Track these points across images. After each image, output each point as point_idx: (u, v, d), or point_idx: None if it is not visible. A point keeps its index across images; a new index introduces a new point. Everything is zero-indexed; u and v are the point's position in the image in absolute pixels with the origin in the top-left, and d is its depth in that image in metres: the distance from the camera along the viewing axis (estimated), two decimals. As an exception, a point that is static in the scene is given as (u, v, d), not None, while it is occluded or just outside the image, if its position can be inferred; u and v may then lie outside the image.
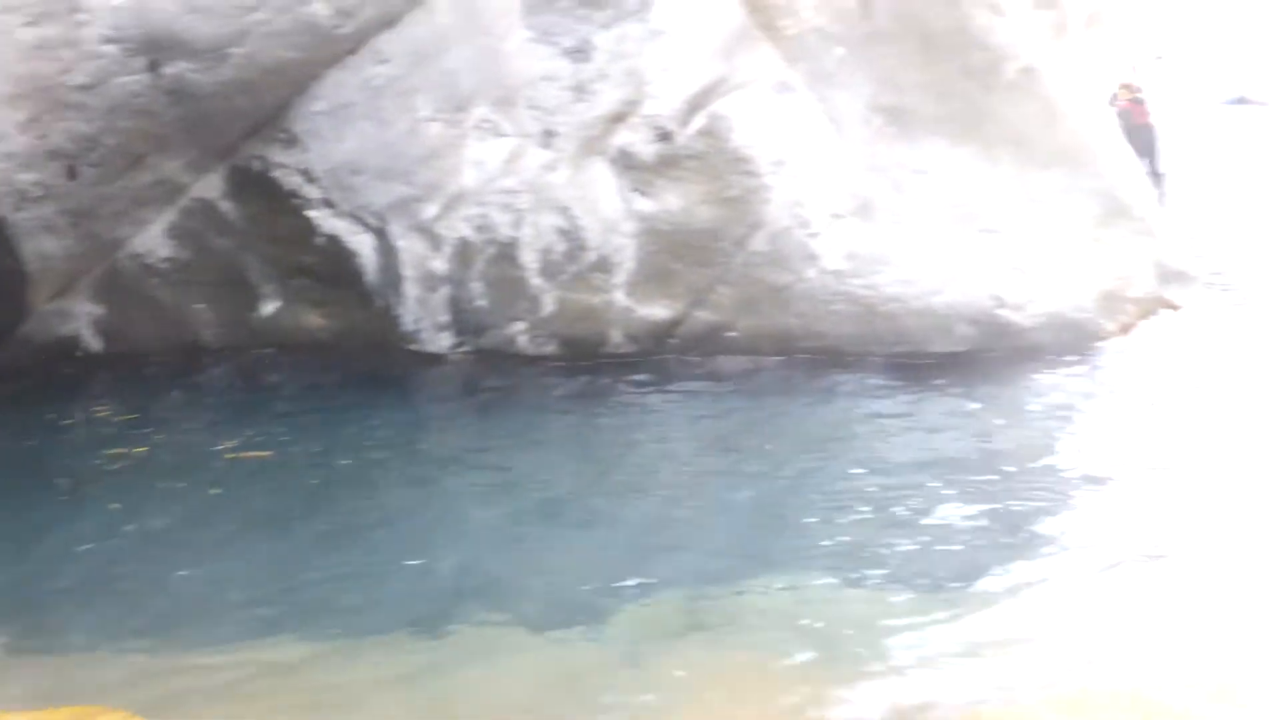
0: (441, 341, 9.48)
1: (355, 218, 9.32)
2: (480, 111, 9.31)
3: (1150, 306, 10.22)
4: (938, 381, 8.97)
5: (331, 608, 5.74)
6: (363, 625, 5.54)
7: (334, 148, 9.19)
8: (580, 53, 9.35)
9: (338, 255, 9.39)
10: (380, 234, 9.33)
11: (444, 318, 9.44)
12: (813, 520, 6.77)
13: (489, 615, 5.63)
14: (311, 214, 9.29)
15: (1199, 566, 6.06)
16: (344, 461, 7.66)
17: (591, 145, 9.37)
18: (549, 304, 9.36)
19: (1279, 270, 10.98)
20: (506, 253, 9.31)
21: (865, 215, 9.47)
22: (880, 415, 8.52)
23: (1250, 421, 8.08)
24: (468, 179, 9.29)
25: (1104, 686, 4.96)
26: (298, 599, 5.85)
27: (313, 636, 5.46)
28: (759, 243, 9.33)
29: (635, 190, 9.33)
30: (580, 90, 9.35)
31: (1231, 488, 7.04)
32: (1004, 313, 9.46)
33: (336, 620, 5.59)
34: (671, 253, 9.34)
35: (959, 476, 7.31)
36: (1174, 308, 10.34)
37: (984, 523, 6.67)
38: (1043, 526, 6.64)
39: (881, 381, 9.03)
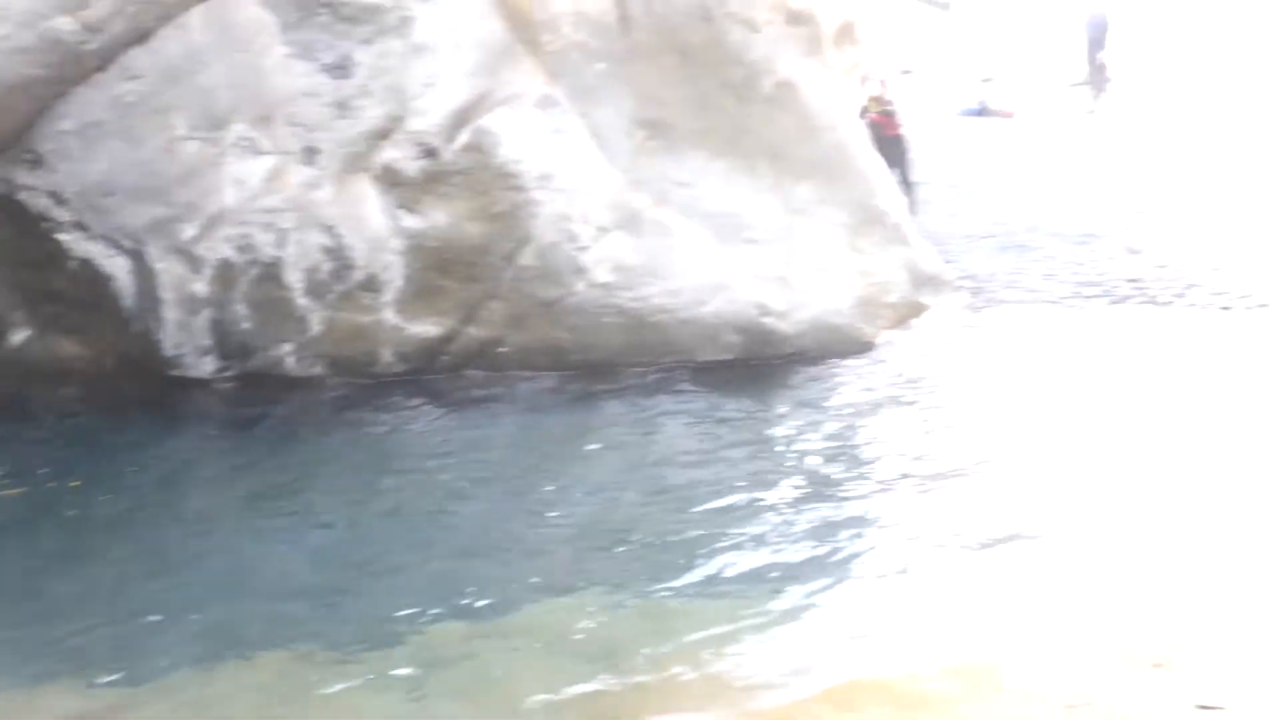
0: (205, 366, 9.20)
1: (109, 240, 8.96)
2: (239, 129, 9.07)
3: (906, 311, 10.66)
4: (708, 389, 9.18)
5: (101, 657, 5.48)
6: (137, 674, 5.31)
7: (84, 168, 8.81)
8: (341, 69, 9.21)
9: (92, 279, 9.02)
10: (137, 256, 8.99)
11: (207, 341, 9.16)
12: (597, 533, 6.85)
13: (265, 654, 5.49)
14: (62, 237, 8.90)
15: (969, 561, 6.37)
16: (105, 497, 7.35)
17: (356, 162, 9.24)
18: (316, 324, 9.19)
19: (1023, 273, 11.56)
20: (270, 273, 9.10)
21: (631, 228, 9.61)
22: (656, 423, 8.67)
23: (1007, 417, 8.53)
24: (228, 198, 9.03)
25: (874, 679, 5.17)
26: (62, 649, 5.57)
27: (81, 690, 5.22)
28: (528, 257, 9.36)
29: (402, 207, 9.25)
30: (342, 107, 9.22)
31: (998, 481, 7.43)
32: (769, 321, 9.73)
33: (108, 668, 5.36)
34: (440, 269, 9.29)
35: (735, 481, 7.50)
36: (929, 311, 10.81)
37: (769, 525, 6.87)
38: (823, 526, 6.86)
39: (653, 391, 9.18)
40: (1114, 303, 10.80)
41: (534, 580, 6.24)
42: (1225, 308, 10.63)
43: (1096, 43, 18.48)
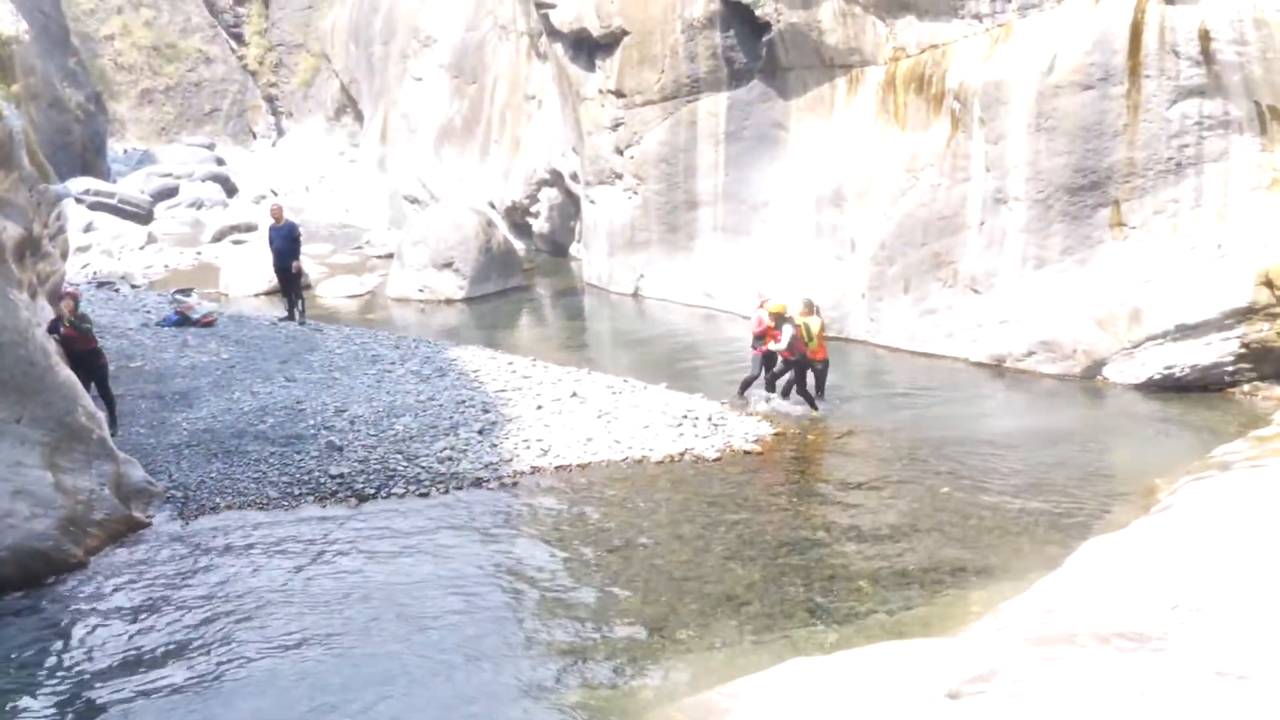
0: None
1: None
2: None
3: (116, 527, 10.41)
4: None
5: None
6: None
7: None
8: None
9: None
10: None
11: None
12: None
13: None
14: None
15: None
16: None
17: None
18: None
19: (233, 478, 11.76)
20: None
21: None
22: None
23: (218, 629, 8.67)
24: None
25: None
26: None
27: None
28: None
29: None
30: None
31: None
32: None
33: None
34: None
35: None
36: (144, 524, 10.64)
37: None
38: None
39: None
40: (321, 499, 11.28)
41: None
42: (423, 494, 11.48)
43: (283, 253, 19.23)
